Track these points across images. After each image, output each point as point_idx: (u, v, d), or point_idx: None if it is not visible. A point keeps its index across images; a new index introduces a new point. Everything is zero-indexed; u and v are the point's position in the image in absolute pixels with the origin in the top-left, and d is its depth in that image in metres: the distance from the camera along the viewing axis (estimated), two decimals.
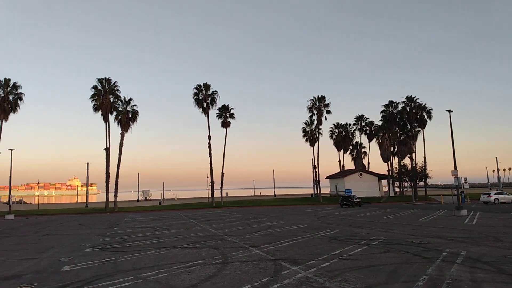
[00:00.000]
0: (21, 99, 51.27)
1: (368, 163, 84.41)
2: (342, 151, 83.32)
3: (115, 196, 52.62)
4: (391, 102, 70.76)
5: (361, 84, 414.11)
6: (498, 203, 46.69)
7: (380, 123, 73.27)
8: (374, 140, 78.91)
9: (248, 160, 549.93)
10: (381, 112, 71.52)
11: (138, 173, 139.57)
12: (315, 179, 76.43)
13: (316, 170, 74.52)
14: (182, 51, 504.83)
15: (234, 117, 61.37)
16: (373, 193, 70.87)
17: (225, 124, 60.82)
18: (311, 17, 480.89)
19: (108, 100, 51.81)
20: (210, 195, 61.21)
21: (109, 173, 52.17)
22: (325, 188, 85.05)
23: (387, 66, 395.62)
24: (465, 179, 35.11)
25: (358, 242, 14.79)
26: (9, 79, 50.82)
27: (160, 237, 18.79)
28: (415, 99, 68.12)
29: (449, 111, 32.62)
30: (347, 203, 47.96)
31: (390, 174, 72.42)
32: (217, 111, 60.79)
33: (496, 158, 79.31)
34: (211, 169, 58.82)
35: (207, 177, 61.76)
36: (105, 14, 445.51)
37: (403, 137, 70.50)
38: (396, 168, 69.65)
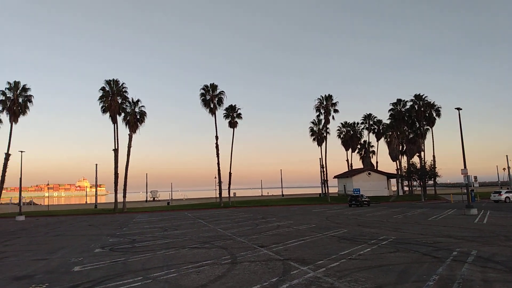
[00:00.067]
0: (30, 101, 52.06)
1: (377, 162, 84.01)
2: (350, 150, 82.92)
3: (124, 196, 52.97)
4: (399, 101, 70.32)
5: (369, 85, 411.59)
6: (509, 201, 46.10)
7: (388, 121, 72.97)
8: (383, 139, 78.36)
9: (256, 160, 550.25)
10: (389, 110, 71.17)
11: (147, 173, 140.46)
12: (323, 178, 76.25)
13: (324, 169, 74.37)
14: (189, 56, 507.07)
15: (241, 117, 61.47)
16: (381, 192, 70.41)
17: (232, 124, 60.87)
18: (317, 20, 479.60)
19: (116, 102, 52.19)
20: (218, 195, 61.34)
21: (118, 174, 52.53)
22: (333, 188, 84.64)
23: (394, 67, 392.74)
24: (475, 177, 34.83)
25: (367, 242, 14.71)
26: (18, 82, 51.61)
27: (169, 237, 18.87)
28: (423, 97, 67.66)
29: (458, 109, 32.30)
30: (356, 202, 47.73)
31: (399, 173, 71.95)
32: (224, 112, 60.88)
33: (507, 156, 77.97)
34: (218, 169, 58.98)
35: (215, 177, 61.96)
36: (113, 21, 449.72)
37: (411, 136, 69.98)
38: (404, 167, 69.28)
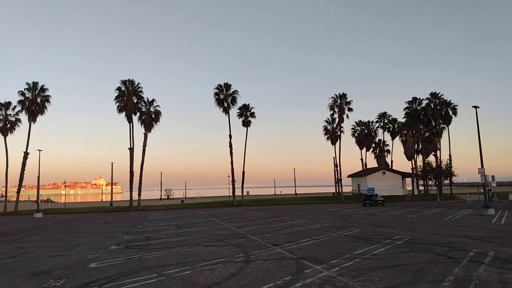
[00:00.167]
0: (48, 101, 53.18)
1: (392, 161, 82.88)
2: (364, 149, 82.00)
3: (139, 194, 53.61)
4: (414, 99, 69.24)
5: (383, 83, 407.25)
6: None
7: (403, 120, 71.88)
8: (398, 137, 77.24)
9: (269, 159, 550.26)
10: (404, 109, 70.10)
11: (161, 172, 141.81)
12: (336, 177, 75.63)
13: (338, 168, 73.73)
14: (203, 56, 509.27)
15: (254, 116, 61.41)
16: (396, 191, 69.55)
17: (246, 123, 60.91)
18: (331, 18, 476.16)
19: (131, 101, 52.78)
20: (231, 194, 61.51)
21: (133, 172, 53.16)
22: (347, 187, 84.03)
23: (409, 65, 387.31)
24: (493, 177, 33.96)
25: (382, 242, 14.58)
26: (37, 82, 52.78)
27: (183, 235, 19.04)
28: (439, 95, 66.46)
29: (475, 107, 31.74)
30: (370, 202, 47.30)
31: (414, 172, 70.91)
32: (238, 111, 60.92)
33: None
34: (232, 168, 59.11)
35: (228, 176, 62.16)
36: (129, 23, 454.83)
37: (427, 134, 68.89)
38: (420, 166, 68.13)
